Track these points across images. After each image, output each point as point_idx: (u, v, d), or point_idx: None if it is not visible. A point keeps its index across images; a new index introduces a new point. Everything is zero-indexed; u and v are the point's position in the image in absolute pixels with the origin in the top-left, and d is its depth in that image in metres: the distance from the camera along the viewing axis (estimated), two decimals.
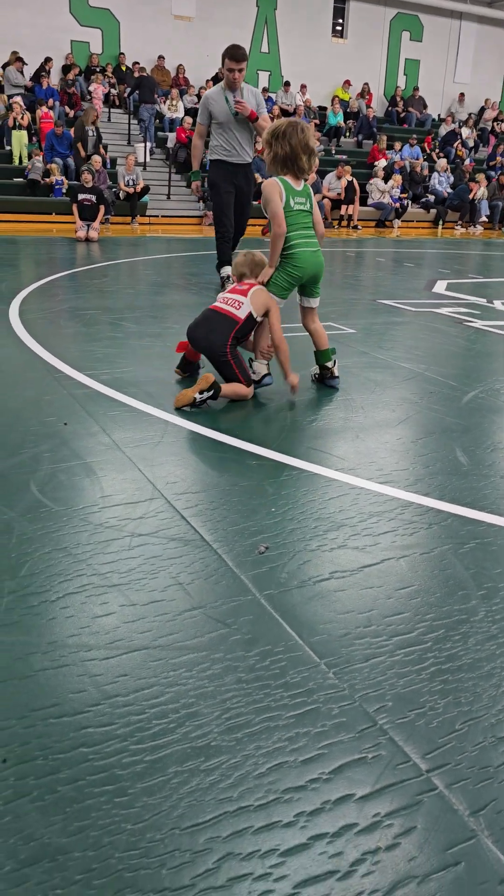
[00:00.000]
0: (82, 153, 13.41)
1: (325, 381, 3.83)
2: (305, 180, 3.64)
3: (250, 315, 3.49)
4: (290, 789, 1.30)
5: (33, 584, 1.88)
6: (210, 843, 1.19)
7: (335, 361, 3.82)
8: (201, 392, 3.27)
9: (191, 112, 16.06)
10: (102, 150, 13.79)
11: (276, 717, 1.47)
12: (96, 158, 12.33)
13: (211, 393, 3.29)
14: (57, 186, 13.30)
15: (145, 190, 13.64)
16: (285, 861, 1.17)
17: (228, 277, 6.13)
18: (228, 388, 3.43)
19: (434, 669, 1.63)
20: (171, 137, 15.68)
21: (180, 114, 16.14)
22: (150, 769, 1.33)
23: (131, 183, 13.35)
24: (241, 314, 3.47)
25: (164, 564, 2.01)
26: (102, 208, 10.97)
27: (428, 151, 18.72)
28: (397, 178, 16.30)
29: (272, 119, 7.29)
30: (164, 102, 16.32)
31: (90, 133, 13.63)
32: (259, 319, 3.55)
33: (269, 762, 1.36)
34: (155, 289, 6.89)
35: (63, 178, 13.36)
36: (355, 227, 15.10)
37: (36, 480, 2.49)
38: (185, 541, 2.14)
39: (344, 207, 15.08)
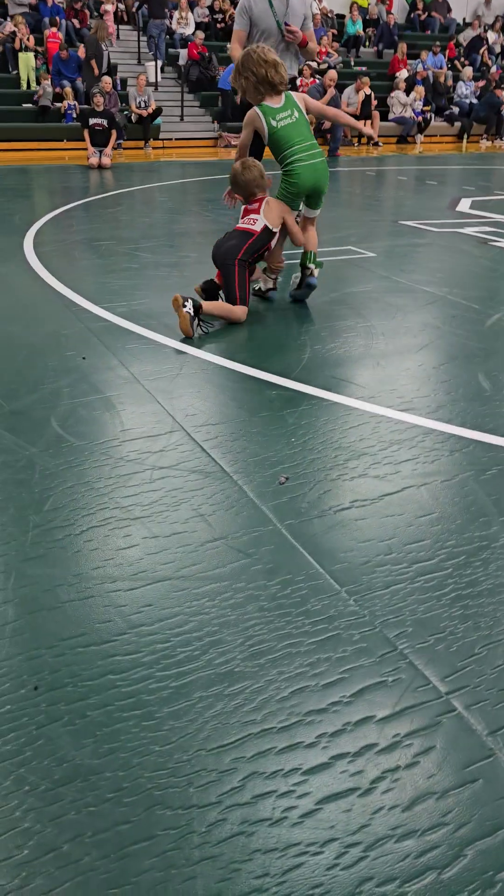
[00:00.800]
0: (95, 71, 12.87)
1: (301, 285, 3.89)
2: (286, 90, 3.65)
3: (266, 227, 3.62)
4: (311, 712, 1.34)
5: (57, 518, 1.92)
6: (235, 763, 1.23)
7: (316, 265, 3.87)
8: (183, 306, 3.26)
9: (201, 26, 15.34)
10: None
11: (298, 643, 1.50)
12: (107, 80, 11.89)
13: (190, 304, 3.26)
14: (68, 111, 12.89)
15: (157, 112, 13.18)
16: (308, 779, 1.21)
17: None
18: (214, 306, 3.46)
19: (454, 595, 1.65)
20: (183, 54, 15.02)
21: (191, 29, 15.41)
22: (175, 694, 1.37)
23: (143, 105, 12.89)
24: (258, 227, 3.61)
25: (186, 496, 2.02)
26: (114, 133, 10.65)
27: (452, 59, 17.78)
28: (420, 90, 15.56)
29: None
30: (174, 17, 15.55)
31: (104, 48, 13.07)
32: (276, 231, 3.67)
33: (291, 686, 1.39)
34: (170, 216, 6.74)
35: (75, 102, 12.94)
36: (376, 144, 14.52)
37: (56, 416, 2.50)
38: (206, 473, 2.15)
39: (362, 123, 14.44)
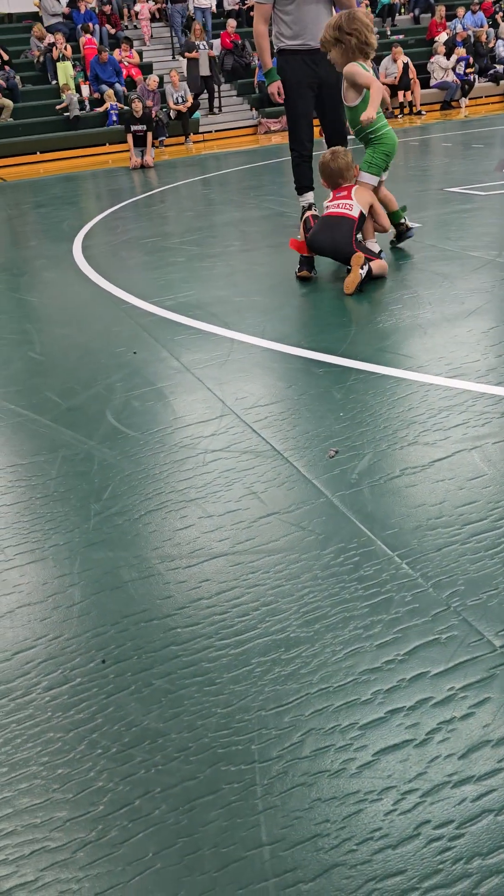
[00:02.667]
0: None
1: (402, 238, 4.38)
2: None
3: (361, 213, 3.82)
4: (366, 671, 1.38)
5: (116, 504, 2.00)
6: (294, 721, 1.29)
7: (405, 218, 4.35)
8: (361, 267, 3.62)
9: (232, 14, 15.31)
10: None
11: (352, 607, 1.54)
12: (153, 78, 12.04)
13: (367, 267, 3.67)
14: (112, 112, 13.10)
15: (195, 106, 13.26)
16: (364, 733, 1.25)
17: (311, 206, 4.78)
18: (376, 265, 3.74)
19: None
20: (216, 45, 15.03)
21: (206, 4, 15.09)
22: (234, 661, 1.43)
23: (180, 100, 12.99)
24: (355, 213, 3.80)
25: (238, 476, 2.08)
26: (150, 135, 10.75)
27: (491, 17, 17.22)
28: (460, 52, 15.14)
29: None
30: None
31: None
32: (366, 214, 3.89)
33: (345, 648, 1.44)
34: (213, 208, 6.80)
35: (117, 103, 13.12)
36: (418, 113, 14.23)
37: (111, 409, 2.59)
38: (257, 452, 2.20)
39: (402, 94, 14.15)
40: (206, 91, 13.74)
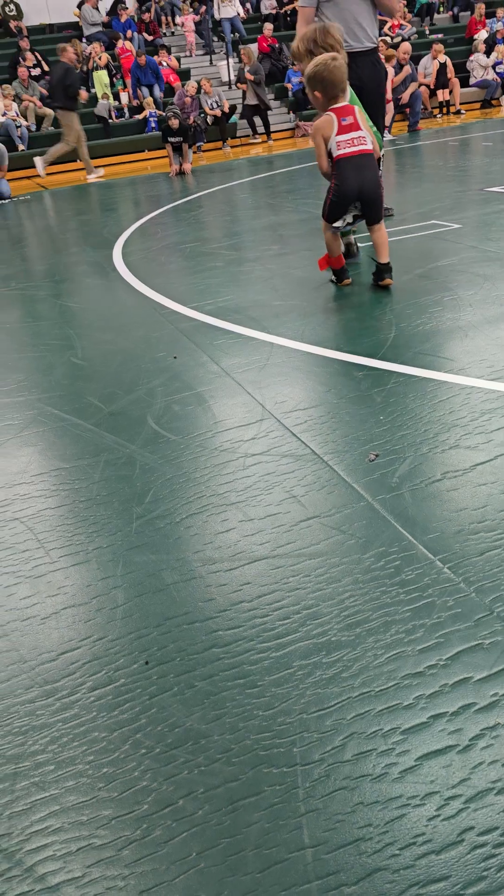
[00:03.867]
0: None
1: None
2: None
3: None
4: (408, 675, 1.37)
5: (158, 508, 2.03)
6: (335, 725, 1.29)
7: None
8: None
9: (269, 18, 15.35)
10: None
11: (393, 611, 1.54)
12: (192, 85, 12.13)
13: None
14: (151, 118, 13.23)
15: (232, 110, 13.32)
16: (407, 738, 1.25)
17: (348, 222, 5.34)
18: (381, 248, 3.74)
19: None
20: (254, 48, 15.07)
21: (233, 11, 15.08)
22: (276, 664, 1.44)
23: (215, 106, 13.07)
24: (370, 146, 3.60)
25: (278, 480, 2.09)
26: (185, 145, 10.80)
27: None
28: (501, 49, 14.94)
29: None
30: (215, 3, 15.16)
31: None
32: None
33: (387, 653, 1.43)
34: (251, 212, 6.83)
35: (156, 110, 13.26)
36: (458, 112, 14.09)
37: (152, 414, 2.62)
38: (297, 456, 2.21)
39: (440, 93, 14.00)
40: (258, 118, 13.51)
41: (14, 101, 12.88)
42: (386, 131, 11.34)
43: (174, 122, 10.83)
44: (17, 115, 12.76)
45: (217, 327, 3.48)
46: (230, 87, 14.46)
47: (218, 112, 13.06)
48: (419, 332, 3.09)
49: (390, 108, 11.81)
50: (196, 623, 1.58)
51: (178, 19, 15.81)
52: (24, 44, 13.85)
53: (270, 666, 1.44)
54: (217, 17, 15.06)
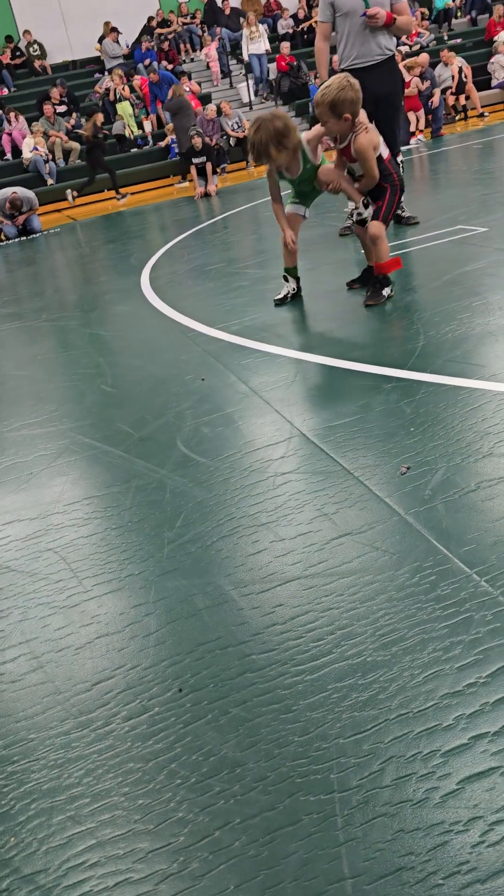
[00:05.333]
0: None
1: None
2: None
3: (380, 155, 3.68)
4: (447, 695, 1.34)
5: (189, 532, 2.02)
6: (373, 749, 1.26)
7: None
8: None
9: (286, 37, 15.49)
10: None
11: (429, 628, 1.50)
12: (211, 108, 12.30)
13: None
14: (172, 145, 13.42)
15: None
16: (447, 760, 1.21)
17: (354, 213, 5.58)
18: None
19: None
20: (272, 69, 15.23)
21: (263, 46, 15.33)
22: (310, 687, 1.41)
23: (236, 127, 13.21)
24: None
25: (309, 498, 2.07)
26: (209, 165, 10.93)
27: None
28: None
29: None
30: (243, 34, 15.49)
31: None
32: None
33: (424, 672, 1.40)
34: (275, 230, 6.83)
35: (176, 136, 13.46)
36: (481, 115, 13.98)
37: (181, 437, 2.63)
38: (327, 473, 2.19)
39: (454, 98, 13.86)
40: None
41: (42, 137, 13.20)
42: (414, 139, 11.32)
43: (197, 141, 10.97)
44: (45, 151, 13.05)
45: (244, 347, 3.48)
46: (251, 109, 14.62)
47: (241, 133, 13.19)
48: (448, 339, 3.05)
49: (421, 113, 11.80)
50: (229, 648, 1.56)
51: (201, 52, 16.04)
52: (55, 92, 14.11)
53: (305, 689, 1.41)
54: (245, 55, 15.26)
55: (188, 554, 1.92)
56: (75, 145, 13.62)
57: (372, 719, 1.31)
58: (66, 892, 1.13)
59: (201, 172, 10.83)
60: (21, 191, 10.38)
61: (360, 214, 3.79)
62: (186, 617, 1.68)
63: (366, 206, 3.76)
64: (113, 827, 1.22)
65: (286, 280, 4.12)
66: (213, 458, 2.42)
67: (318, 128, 3.71)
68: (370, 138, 3.58)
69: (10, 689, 1.58)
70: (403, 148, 5.69)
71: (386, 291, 3.75)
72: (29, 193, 10.54)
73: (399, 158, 5.33)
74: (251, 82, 15.19)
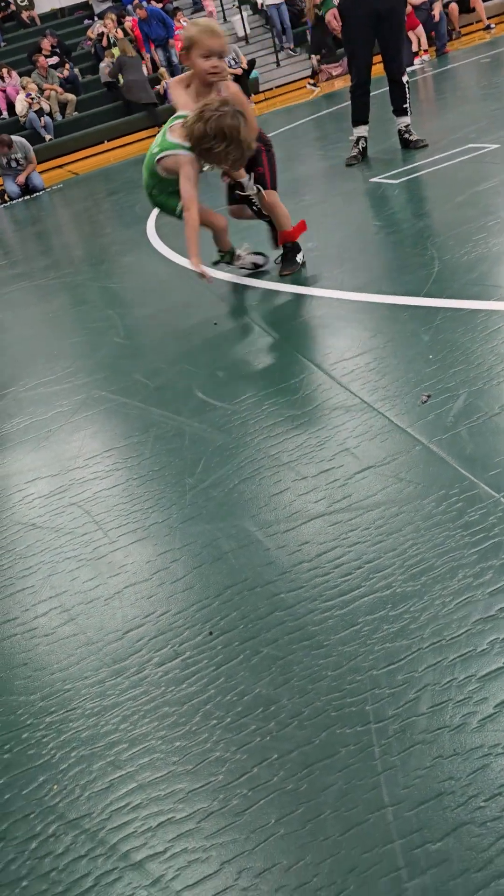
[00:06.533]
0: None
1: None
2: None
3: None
4: (480, 620, 1.31)
5: (210, 477, 2.00)
6: (407, 679, 1.24)
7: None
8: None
9: None
10: None
11: (458, 556, 1.47)
12: None
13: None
14: (167, 92, 13.03)
15: (252, 64, 12.98)
16: (483, 685, 1.19)
17: (360, 140, 5.30)
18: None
19: None
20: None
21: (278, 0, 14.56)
22: (341, 622, 1.40)
23: (233, 63, 12.74)
24: None
25: (329, 434, 2.03)
26: None
27: None
28: None
29: None
30: None
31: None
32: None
33: (456, 599, 1.37)
34: (281, 166, 6.63)
35: (171, 79, 13.05)
36: (487, 28, 13.31)
37: (197, 383, 2.59)
38: (346, 407, 2.14)
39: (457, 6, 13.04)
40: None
41: (37, 91, 12.86)
42: (418, 59, 10.84)
43: None
44: (40, 100, 12.65)
45: (255, 287, 3.40)
46: (247, 42, 14.09)
47: (238, 70, 12.74)
48: (464, 262, 2.94)
49: (421, 31, 11.25)
50: (257, 588, 1.55)
51: None
52: (45, 44, 13.67)
53: (335, 625, 1.39)
54: (261, 4, 14.49)
55: (210, 499, 1.90)
56: (71, 97, 13.27)
57: (405, 649, 1.30)
58: (111, 835, 1.15)
59: None
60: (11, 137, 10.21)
61: (245, 191, 3.46)
62: (213, 561, 1.67)
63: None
64: (152, 770, 1.22)
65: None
66: (231, 402, 2.38)
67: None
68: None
69: (44, 642, 1.59)
70: (409, 69, 5.43)
71: (299, 257, 3.43)
72: (21, 139, 10.33)
73: (405, 79, 5.11)
74: (245, 14, 14.57)
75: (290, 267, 3.43)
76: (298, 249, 3.46)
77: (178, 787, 1.18)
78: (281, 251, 3.52)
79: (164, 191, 3.22)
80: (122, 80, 12.76)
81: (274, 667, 1.34)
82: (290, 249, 3.46)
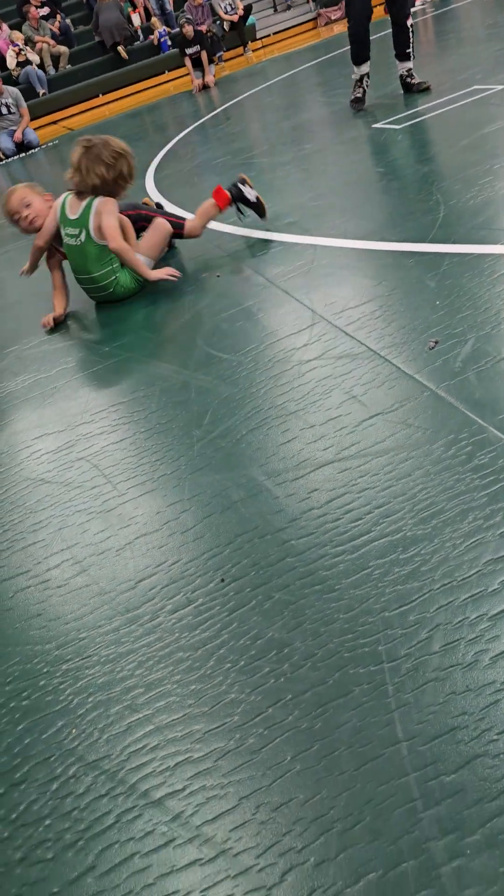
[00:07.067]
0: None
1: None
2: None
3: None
4: (491, 561, 1.31)
5: (217, 428, 1.99)
6: (419, 619, 1.25)
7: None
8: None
9: None
10: None
11: (468, 499, 1.47)
12: None
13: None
14: (162, 40, 12.69)
15: (248, 10, 12.59)
16: (495, 623, 1.20)
17: (363, 79, 5.16)
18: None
19: None
20: None
21: None
22: (352, 566, 1.40)
23: (230, 10, 12.36)
24: None
25: (336, 383, 2.02)
26: (205, 53, 10.32)
27: None
28: None
29: None
30: None
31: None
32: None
33: (466, 541, 1.37)
34: (280, 114, 6.50)
35: (165, 27, 12.69)
36: None
37: (202, 335, 2.56)
38: (353, 356, 2.12)
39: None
40: None
41: (27, 44, 12.53)
42: (420, 1, 10.50)
43: (188, 29, 10.35)
44: (26, 52, 12.34)
45: (258, 238, 3.35)
46: None
47: (234, 17, 12.37)
48: (470, 206, 2.88)
49: None
50: (267, 536, 1.55)
51: None
52: None
53: (347, 569, 1.40)
54: None
55: (219, 449, 1.90)
56: (63, 49, 12.93)
57: (416, 591, 1.30)
58: (130, 775, 1.17)
59: (196, 64, 10.25)
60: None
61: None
62: (222, 510, 1.67)
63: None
64: (168, 712, 1.24)
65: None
66: (236, 354, 2.36)
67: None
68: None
69: (57, 593, 1.61)
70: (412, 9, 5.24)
71: (248, 193, 3.41)
72: (11, 88, 10.13)
73: (409, 22, 4.95)
74: None
75: (252, 207, 3.44)
76: (239, 194, 3.41)
77: (195, 728, 1.20)
78: (239, 212, 3.49)
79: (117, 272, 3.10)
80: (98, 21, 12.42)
81: (286, 611, 1.36)
82: (238, 198, 3.41)
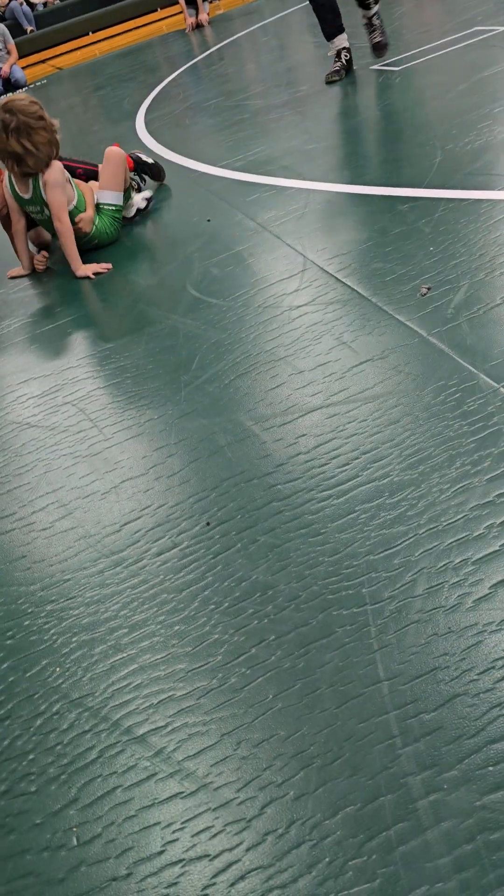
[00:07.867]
0: None
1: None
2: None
3: None
4: (477, 506, 1.31)
5: (205, 373, 1.97)
6: (403, 563, 1.25)
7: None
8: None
9: None
10: None
11: (457, 444, 1.46)
12: None
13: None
14: None
15: None
16: (479, 567, 1.20)
17: (342, 52, 4.34)
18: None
19: None
20: None
21: None
22: (338, 511, 1.40)
23: None
24: None
25: (326, 328, 1.99)
26: None
27: None
28: None
29: None
30: None
31: None
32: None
33: (453, 486, 1.37)
34: (275, 55, 6.30)
35: None
36: None
37: (191, 281, 2.52)
38: (343, 301, 2.08)
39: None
40: None
41: None
42: None
43: None
44: None
45: (250, 182, 3.27)
46: None
47: None
48: (468, 151, 2.81)
49: None
50: (253, 480, 1.54)
51: None
52: None
53: (333, 513, 1.40)
54: None
55: (206, 394, 1.88)
56: None
57: (401, 535, 1.30)
58: (113, 711, 1.18)
59: (190, 1, 9.87)
60: None
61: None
62: (209, 455, 1.66)
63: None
64: (152, 652, 1.25)
65: None
66: (225, 299, 2.32)
67: None
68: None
69: (42, 535, 1.60)
70: None
71: (145, 157, 3.50)
72: None
73: None
74: None
75: (153, 171, 3.52)
76: (140, 164, 3.45)
77: (178, 667, 1.21)
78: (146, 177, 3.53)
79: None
80: None
81: (271, 554, 1.35)
82: (141, 167, 3.45)
